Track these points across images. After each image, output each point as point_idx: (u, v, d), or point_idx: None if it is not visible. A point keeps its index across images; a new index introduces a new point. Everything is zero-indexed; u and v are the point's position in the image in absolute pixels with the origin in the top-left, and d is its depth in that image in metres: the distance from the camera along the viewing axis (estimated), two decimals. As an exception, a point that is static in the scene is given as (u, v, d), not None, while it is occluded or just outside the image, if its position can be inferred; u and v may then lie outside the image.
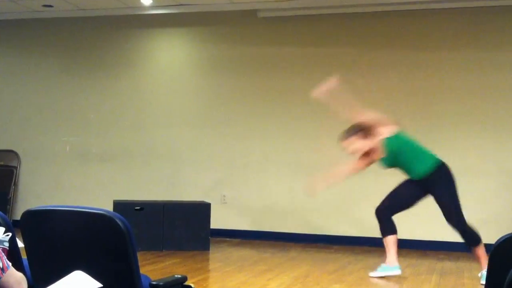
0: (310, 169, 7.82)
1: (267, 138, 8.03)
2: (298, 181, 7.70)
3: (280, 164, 7.95)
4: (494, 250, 2.18)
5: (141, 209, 6.74)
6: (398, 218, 7.46)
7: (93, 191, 8.47)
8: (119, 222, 2.29)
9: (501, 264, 2.15)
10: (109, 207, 6.35)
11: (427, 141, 7.49)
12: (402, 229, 7.45)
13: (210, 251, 6.72)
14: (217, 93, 8.23)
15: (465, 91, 7.44)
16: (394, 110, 7.60)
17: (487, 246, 6.84)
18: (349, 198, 7.71)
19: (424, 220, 7.44)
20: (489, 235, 6.96)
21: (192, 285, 2.72)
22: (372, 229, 7.57)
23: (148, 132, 8.42)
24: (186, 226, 6.76)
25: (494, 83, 7.35)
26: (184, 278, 2.65)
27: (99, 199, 8.09)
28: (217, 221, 7.45)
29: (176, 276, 2.63)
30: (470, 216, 7.28)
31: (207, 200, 7.22)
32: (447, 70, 7.49)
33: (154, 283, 2.47)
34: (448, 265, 6.33)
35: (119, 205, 6.67)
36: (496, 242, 2.17)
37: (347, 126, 7.73)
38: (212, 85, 8.25)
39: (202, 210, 6.91)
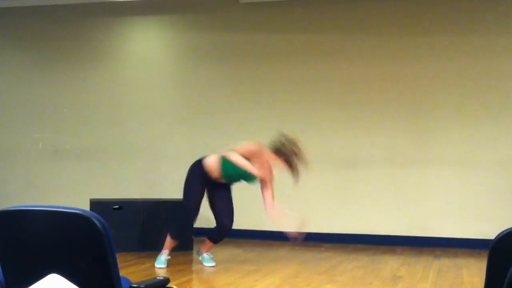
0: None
1: (251, 130, 8.01)
2: (285, 175, 7.70)
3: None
4: (494, 245, 2.19)
5: (120, 208, 6.72)
6: (392, 215, 7.52)
7: (68, 189, 8.43)
8: (96, 222, 2.28)
9: (501, 259, 2.17)
10: (86, 207, 6.32)
11: (422, 132, 7.55)
12: (397, 226, 7.52)
13: (194, 251, 6.72)
14: (197, 84, 8.21)
15: (460, 79, 7.47)
16: (386, 99, 7.63)
17: (485, 241, 6.91)
18: (340, 194, 7.74)
19: (419, 217, 7.48)
20: (485, 229, 7.06)
21: (174, 287, 2.71)
22: (365, 226, 7.62)
23: (125, 127, 8.38)
24: (167, 225, 6.73)
25: (489, 70, 7.39)
26: (167, 280, 2.64)
27: (75, 198, 8.01)
28: (200, 220, 7.42)
29: (158, 278, 2.62)
30: (466, 208, 7.35)
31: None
32: (441, 57, 7.51)
33: (134, 286, 2.46)
34: (446, 262, 6.37)
35: (96, 204, 6.65)
36: (496, 237, 2.18)
37: (337, 117, 7.77)
38: (192, 75, 8.23)
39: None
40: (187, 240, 6.75)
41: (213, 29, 8.21)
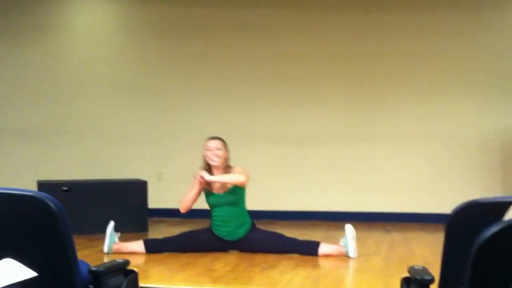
0: (249, 140, 7.83)
1: (203, 109, 7.97)
2: (237, 152, 7.69)
3: (218, 135, 7.92)
4: (452, 218, 2.23)
5: (69, 190, 6.59)
6: (342, 191, 7.59)
7: (12, 172, 8.21)
8: (51, 204, 2.23)
9: (458, 232, 2.21)
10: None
11: (369, 108, 7.63)
12: (348, 203, 7.60)
13: (149, 232, 6.66)
14: (147, 59, 8.09)
15: (405, 56, 7.56)
16: (332, 75, 7.67)
17: (433, 216, 7.06)
18: (288, 171, 7.77)
19: (368, 192, 7.59)
20: (434, 203, 7.22)
21: (135, 269, 2.67)
22: (317, 203, 7.68)
23: (71, 105, 8.23)
24: (120, 207, 6.65)
25: (432, 48, 7.49)
26: (126, 263, 2.61)
27: (19, 180, 7.81)
28: (154, 200, 7.37)
29: (117, 260, 2.58)
30: (413, 183, 7.49)
31: (142, 178, 7.13)
32: (384, 34, 7.58)
33: (94, 269, 2.42)
34: (396, 236, 6.48)
35: (44, 186, 6.49)
36: (453, 210, 2.22)
37: (282, 93, 7.77)
38: (140, 51, 8.11)
39: (137, 188, 6.83)
40: (141, 220, 6.71)
41: (163, 1, 8.07)
